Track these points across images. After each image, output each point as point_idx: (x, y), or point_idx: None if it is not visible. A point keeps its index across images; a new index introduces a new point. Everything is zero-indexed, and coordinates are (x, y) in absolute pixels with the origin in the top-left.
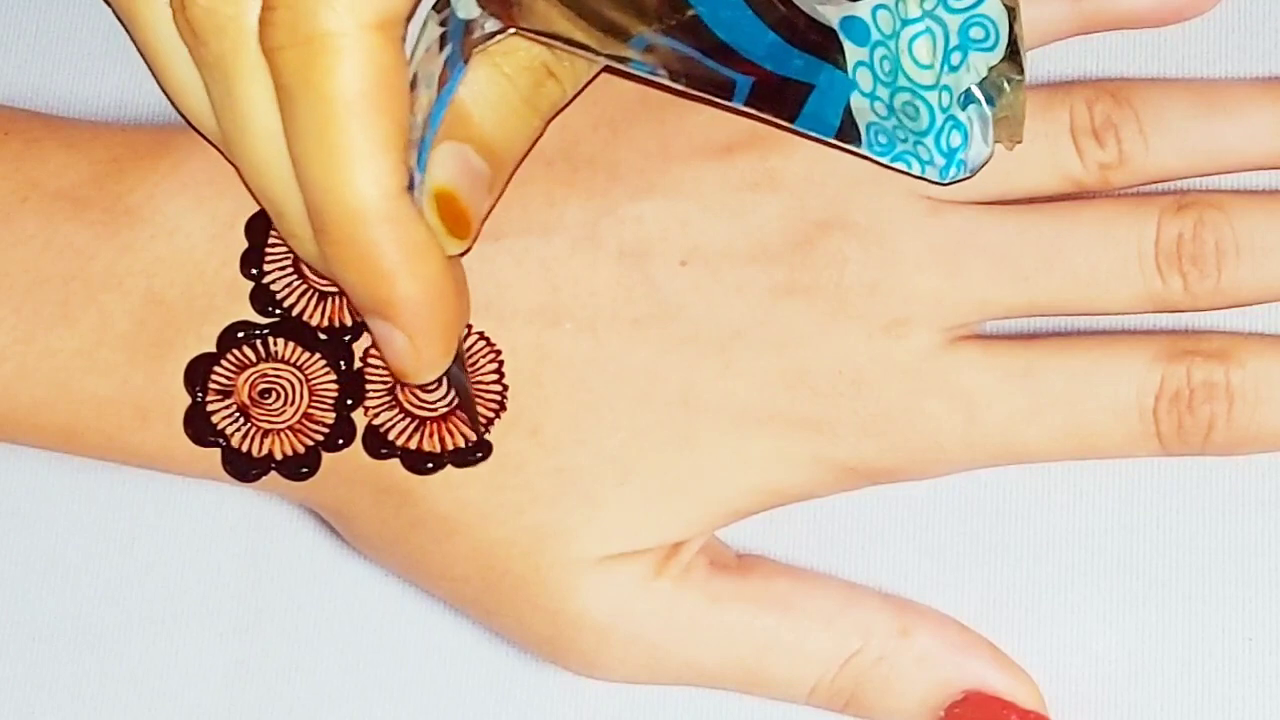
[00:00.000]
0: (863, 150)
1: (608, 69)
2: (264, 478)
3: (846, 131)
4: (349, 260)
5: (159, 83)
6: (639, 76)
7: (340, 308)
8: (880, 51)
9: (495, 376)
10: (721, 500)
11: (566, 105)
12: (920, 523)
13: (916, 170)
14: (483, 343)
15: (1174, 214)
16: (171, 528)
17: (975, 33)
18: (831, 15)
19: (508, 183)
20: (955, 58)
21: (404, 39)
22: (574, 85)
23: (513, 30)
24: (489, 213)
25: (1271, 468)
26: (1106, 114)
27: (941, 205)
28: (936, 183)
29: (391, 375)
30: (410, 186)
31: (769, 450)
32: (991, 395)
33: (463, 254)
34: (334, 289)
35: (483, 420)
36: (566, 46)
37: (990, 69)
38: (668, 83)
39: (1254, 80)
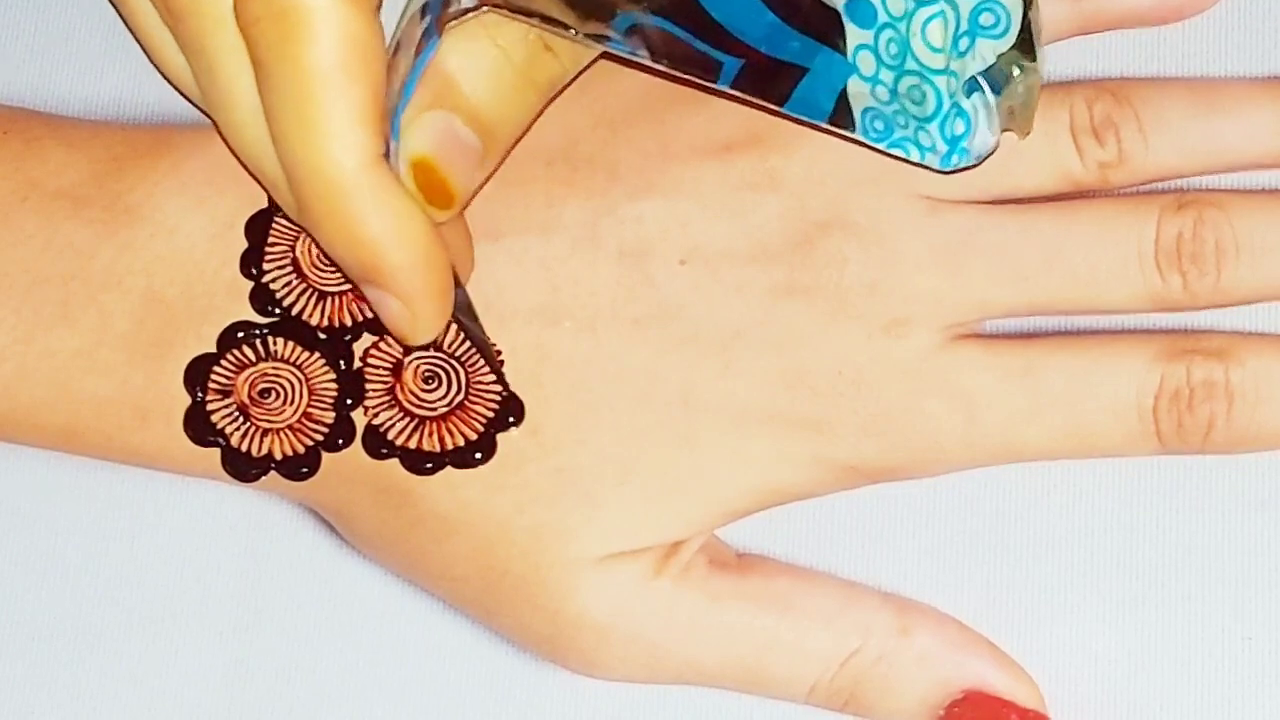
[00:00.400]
0: (856, 136)
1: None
2: (264, 478)
3: (840, 116)
4: (333, 232)
5: (149, 59)
6: (619, 56)
7: (340, 307)
8: (887, 34)
9: (494, 377)
10: (721, 500)
11: (570, 82)
12: (920, 523)
13: (915, 157)
14: None
15: (1174, 213)
16: (171, 528)
17: (985, 19)
18: None
19: (505, 156)
20: (963, 43)
21: (378, 9)
22: (575, 62)
23: (486, 8)
24: (482, 185)
25: (1271, 468)
26: (1106, 113)
27: (941, 205)
28: (938, 170)
29: (389, 373)
30: (387, 154)
31: (769, 450)
32: (991, 395)
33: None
34: (334, 289)
35: (498, 369)
36: (544, 24)
37: (999, 57)
38: (648, 63)
39: (1254, 80)
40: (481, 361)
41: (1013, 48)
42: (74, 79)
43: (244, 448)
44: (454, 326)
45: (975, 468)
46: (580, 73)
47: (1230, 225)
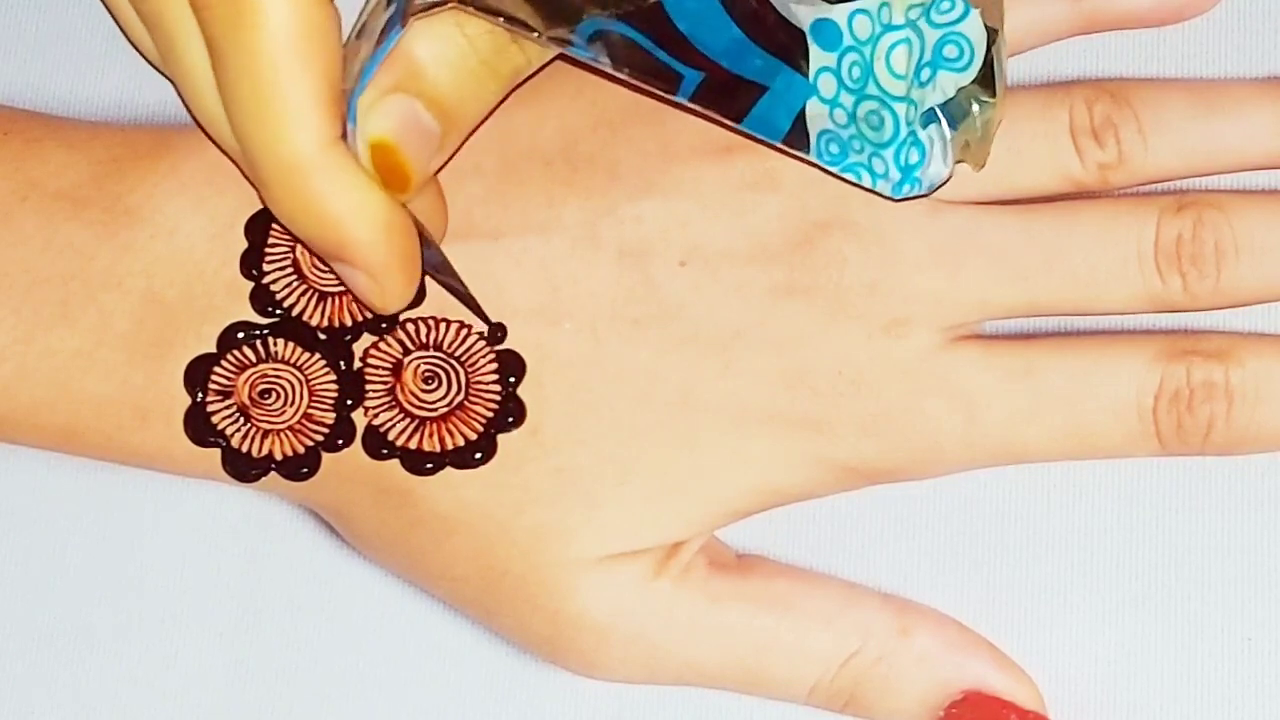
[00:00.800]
0: (810, 157)
1: (561, 55)
2: (264, 478)
3: (795, 137)
4: (293, 211)
5: (121, 30)
6: (581, 62)
7: (340, 308)
8: (851, 58)
9: (495, 377)
10: (721, 500)
11: (533, 75)
12: (920, 524)
13: (867, 183)
14: (482, 343)
15: (1173, 214)
16: (171, 528)
17: (949, 51)
18: (804, 16)
19: (462, 143)
20: (925, 74)
21: None
22: (540, 55)
23: (452, 4)
24: (438, 170)
25: (1271, 468)
26: (1106, 114)
27: (941, 205)
28: (888, 197)
29: (389, 373)
30: (344, 136)
31: (769, 450)
32: (991, 395)
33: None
34: (334, 289)
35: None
36: (509, 25)
37: (959, 90)
38: (609, 70)
39: (1253, 80)
40: (481, 363)
41: (973, 82)
42: (74, 79)
43: (244, 448)
44: (455, 326)
45: (975, 468)
46: (543, 66)
47: (1230, 226)
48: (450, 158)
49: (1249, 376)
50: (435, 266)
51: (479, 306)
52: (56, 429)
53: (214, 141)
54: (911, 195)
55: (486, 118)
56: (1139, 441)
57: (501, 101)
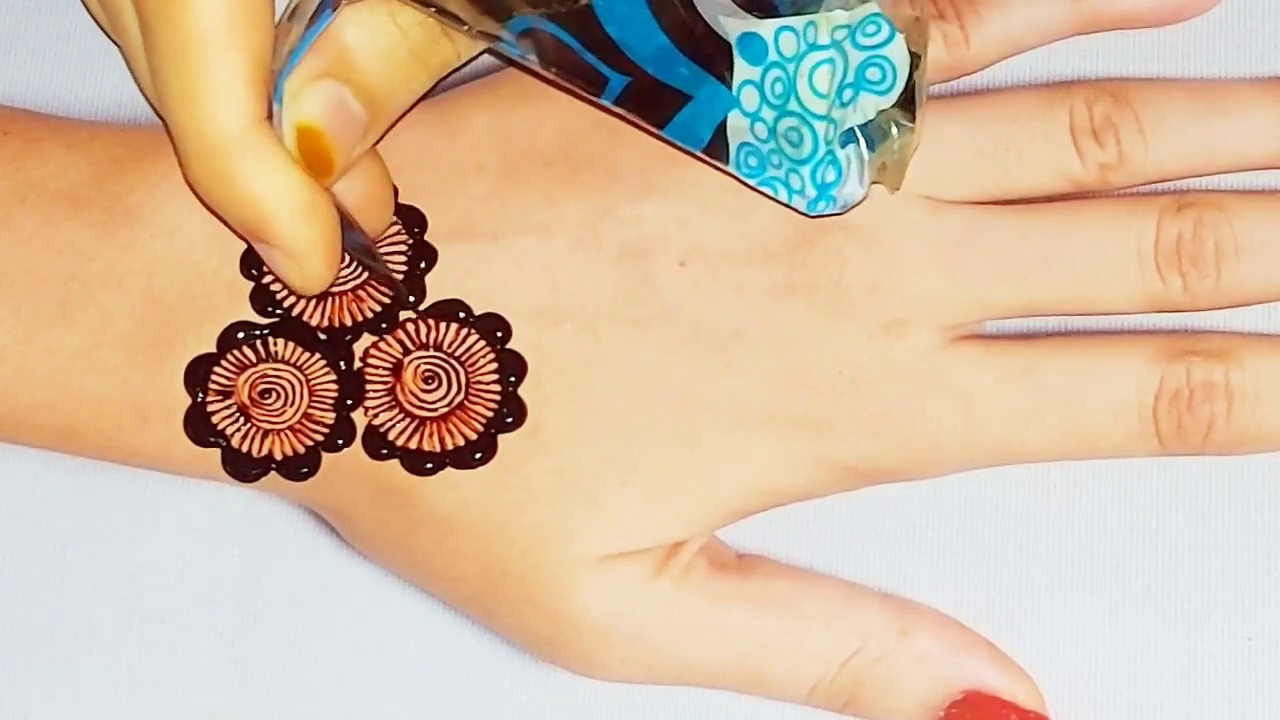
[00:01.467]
0: (729, 168)
1: (489, 50)
2: (264, 478)
3: (715, 148)
4: (215, 191)
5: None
6: (510, 58)
7: (340, 308)
8: (774, 74)
9: (495, 377)
10: (721, 500)
11: (460, 68)
12: (920, 523)
13: (783, 197)
14: (482, 343)
15: (1174, 214)
16: (171, 528)
17: (872, 73)
18: (732, 29)
19: (385, 133)
20: (847, 94)
21: None
22: (469, 49)
23: None
24: (359, 157)
25: (1271, 468)
26: (1106, 114)
27: (941, 205)
28: (802, 213)
29: (389, 373)
30: (270, 116)
31: (769, 450)
32: (991, 395)
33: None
34: (334, 289)
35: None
36: (439, 16)
37: (879, 112)
38: (537, 69)
39: (1254, 80)
40: (481, 363)
41: (894, 105)
42: (74, 79)
43: (244, 448)
44: (455, 326)
45: (975, 468)
46: (471, 59)
47: (1230, 226)
48: (374, 145)
49: (1249, 376)
50: (357, 248)
51: (400, 288)
52: (56, 429)
53: (155, 111)
54: (825, 214)
55: (411, 109)
56: (1139, 441)
57: (427, 94)
